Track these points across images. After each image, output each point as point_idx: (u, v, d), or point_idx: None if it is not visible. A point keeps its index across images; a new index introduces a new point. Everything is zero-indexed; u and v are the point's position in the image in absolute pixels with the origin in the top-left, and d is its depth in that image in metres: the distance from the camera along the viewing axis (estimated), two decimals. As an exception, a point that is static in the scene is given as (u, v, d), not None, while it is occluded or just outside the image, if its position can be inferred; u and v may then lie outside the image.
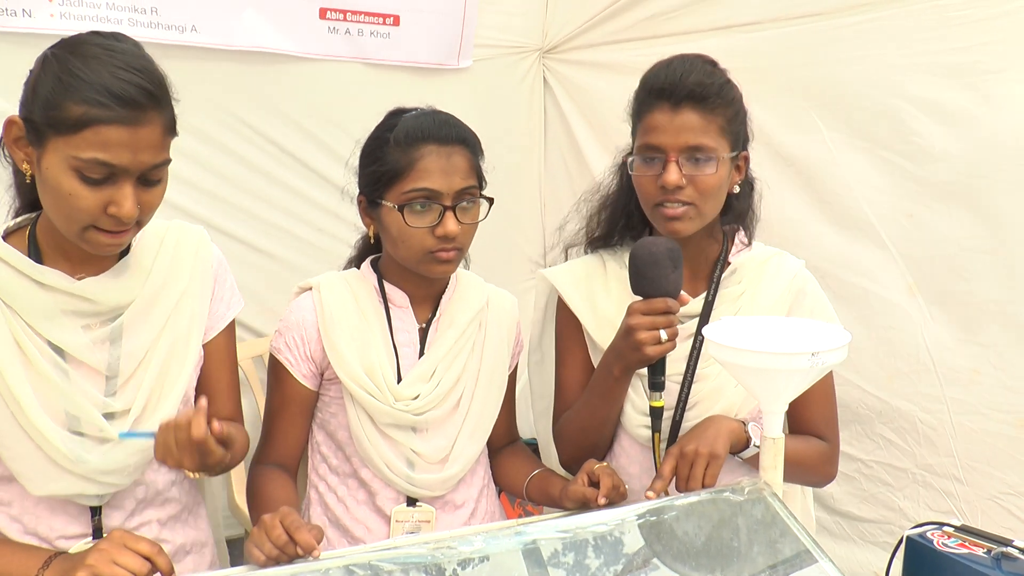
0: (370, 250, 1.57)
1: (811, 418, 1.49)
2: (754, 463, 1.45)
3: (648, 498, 1.22)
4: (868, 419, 2.34)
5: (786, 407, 1.04)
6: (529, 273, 2.65)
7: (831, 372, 1.53)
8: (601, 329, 1.49)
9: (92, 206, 1.11)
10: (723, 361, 1.02)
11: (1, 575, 1.15)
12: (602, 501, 1.27)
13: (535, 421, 1.70)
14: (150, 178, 1.15)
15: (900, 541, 1.49)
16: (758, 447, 1.33)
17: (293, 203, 2.47)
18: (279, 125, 2.40)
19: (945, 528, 1.48)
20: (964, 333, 2.13)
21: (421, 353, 1.47)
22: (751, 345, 1.00)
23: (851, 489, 2.41)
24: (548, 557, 1.06)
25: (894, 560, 1.57)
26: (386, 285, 1.49)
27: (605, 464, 1.34)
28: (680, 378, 1.45)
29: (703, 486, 1.22)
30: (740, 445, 1.36)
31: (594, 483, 1.33)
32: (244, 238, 2.39)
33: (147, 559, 1.06)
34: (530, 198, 2.97)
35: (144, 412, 1.25)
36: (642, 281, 1.33)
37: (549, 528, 1.03)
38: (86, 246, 1.17)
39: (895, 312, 2.23)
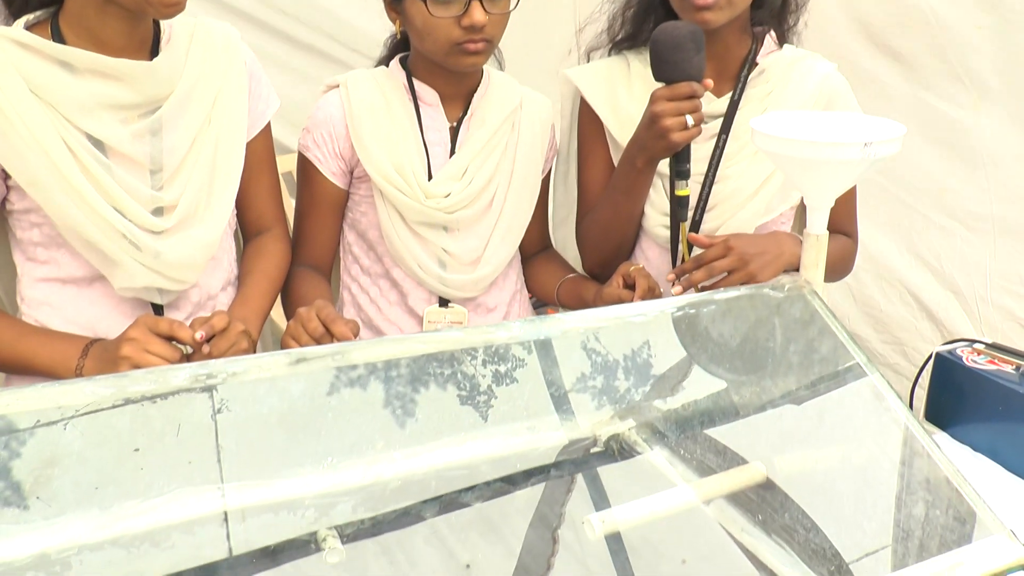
0: (399, 49, 1.51)
1: (835, 216, 1.45)
2: None
3: (668, 281, 1.22)
4: (905, 237, 2.30)
5: (832, 203, 1.00)
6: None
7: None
8: (623, 128, 1.43)
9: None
10: (772, 153, 0.97)
11: (42, 364, 1.17)
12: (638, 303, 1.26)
13: (553, 231, 1.68)
14: None
15: (929, 358, 1.48)
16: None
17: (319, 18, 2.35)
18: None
19: (976, 345, 1.47)
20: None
21: (452, 152, 1.43)
22: (802, 135, 0.94)
23: (869, 310, 2.40)
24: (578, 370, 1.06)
25: (920, 376, 1.57)
26: (416, 83, 1.43)
27: (640, 266, 1.32)
28: (701, 178, 1.41)
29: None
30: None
31: (629, 285, 1.31)
32: (272, 53, 2.30)
33: (170, 338, 1.08)
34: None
35: (196, 209, 1.23)
36: (664, 66, 1.26)
37: (586, 317, 1.01)
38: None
39: (952, 125, 2.13)
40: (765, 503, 1.10)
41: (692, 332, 1.13)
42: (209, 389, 0.92)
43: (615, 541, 1.06)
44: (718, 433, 1.13)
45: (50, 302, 1.20)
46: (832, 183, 0.96)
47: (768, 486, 1.11)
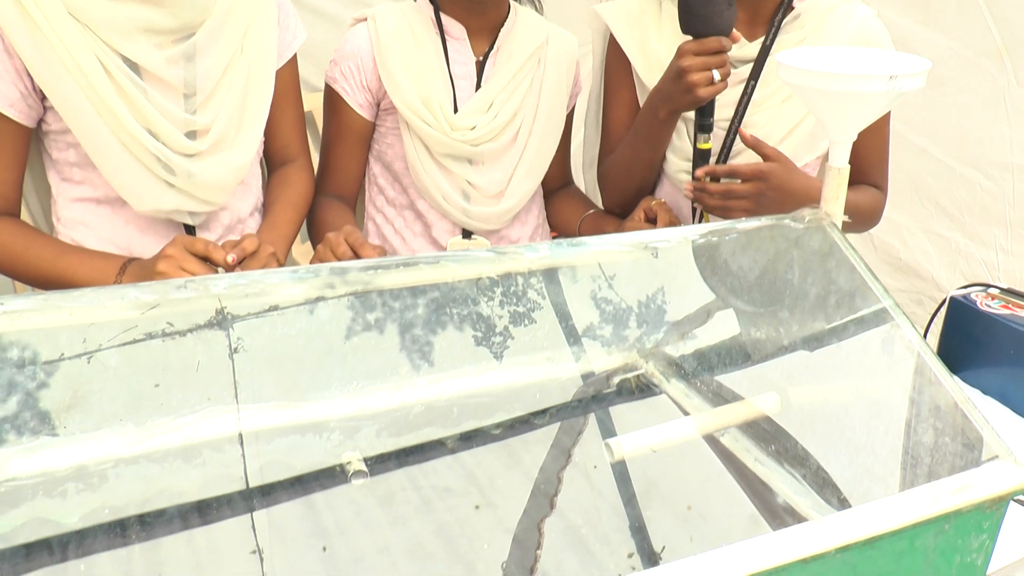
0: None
1: (866, 167, 1.45)
2: None
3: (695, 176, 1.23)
4: (926, 186, 2.30)
5: (855, 136, 1.01)
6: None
7: (889, 120, 1.48)
8: (651, 70, 1.42)
9: None
10: (795, 85, 0.98)
11: (82, 281, 1.20)
12: None
13: (584, 170, 1.69)
14: None
15: (943, 302, 1.50)
16: None
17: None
18: None
19: (990, 290, 1.49)
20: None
21: (478, 86, 1.44)
22: (826, 67, 0.95)
23: (887, 257, 2.41)
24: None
25: (934, 321, 1.58)
26: (443, 16, 1.44)
27: (662, 200, 1.34)
28: (727, 124, 1.40)
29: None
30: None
31: (651, 219, 1.33)
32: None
33: (204, 258, 1.11)
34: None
35: (228, 133, 1.25)
36: (694, 20, 1.25)
37: (609, 240, 1.03)
38: None
39: (977, 73, 2.12)
40: (780, 433, 1.12)
41: (712, 264, 1.15)
42: (227, 325, 0.95)
43: (623, 481, 1.09)
44: (735, 372, 1.15)
45: (85, 222, 1.24)
46: (856, 116, 0.97)
47: (781, 416, 1.14)
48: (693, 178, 1.33)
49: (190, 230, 1.27)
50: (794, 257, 1.09)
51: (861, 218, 1.46)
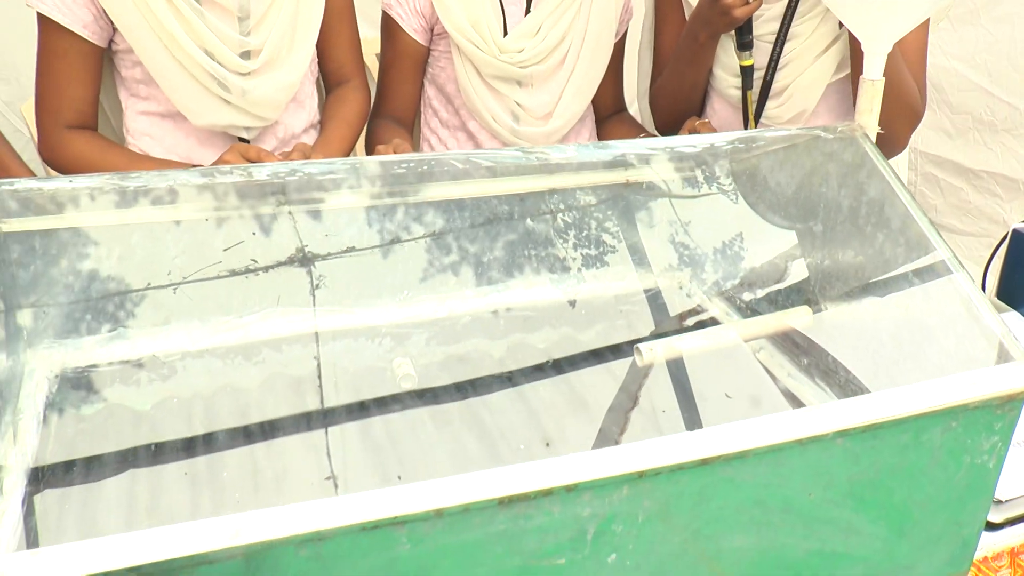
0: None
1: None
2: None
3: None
4: (990, 126, 2.24)
5: (889, 47, 1.01)
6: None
7: (926, 36, 1.46)
8: None
9: None
10: (827, -4, 0.99)
11: None
12: None
13: (640, 98, 1.71)
14: None
15: (1005, 236, 1.47)
16: None
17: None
18: None
19: (1057, 223, 1.45)
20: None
21: (527, 11, 1.47)
22: (859, -25, 0.96)
23: (956, 201, 2.36)
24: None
25: (996, 253, 1.56)
26: None
27: (707, 120, 1.36)
28: (773, 37, 1.43)
29: None
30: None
31: (694, 139, 1.35)
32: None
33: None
34: None
35: (279, 52, 1.32)
36: None
37: (641, 146, 1.06)
38: None
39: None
40: (812, 347, 1.15)
41: (751, 180, 1.17)
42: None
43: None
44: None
45: (150, 133, 1.33)
46: (886, 25, 0.98)
47: (813, 329, 1.16)
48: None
49: (245, 144, 1.35)
50: (829, 172, 1.10)
51: (902, 92, 1.40)
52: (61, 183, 0.89)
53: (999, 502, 1.17)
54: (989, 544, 1.15)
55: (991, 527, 1.15)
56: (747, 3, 1.32)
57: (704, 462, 0.73)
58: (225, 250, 1.00)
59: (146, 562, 0.58)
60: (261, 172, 0.89)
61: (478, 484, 0.67)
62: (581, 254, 1.19)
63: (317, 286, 1.10)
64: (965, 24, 2.17)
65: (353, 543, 0.65)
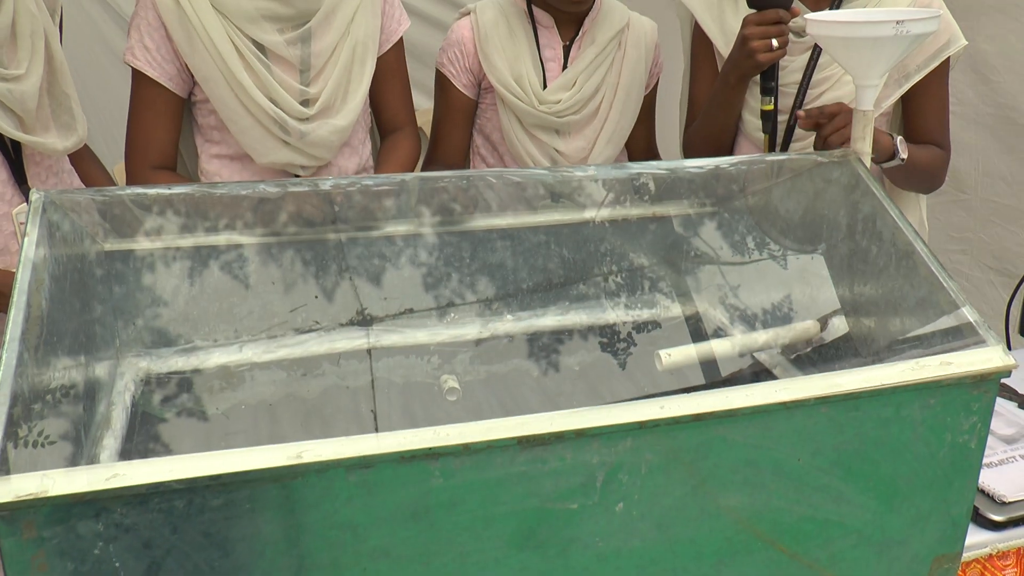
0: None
1: (926, 127, 1.56)
2: (891, 175, 1.55)
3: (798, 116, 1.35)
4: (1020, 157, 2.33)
5: (880, 81, 1.13)
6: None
7: (947, 81, 1.58)
8: (728, 45, 1.57)
9: None
10: (818, 36, 1.12)
11: None
12: None
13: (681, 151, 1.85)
14: None
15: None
16: (903, 160, 1.43)
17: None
18: None
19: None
20: None
21: (564, 67, 1.64)
22: (840, 18, 1.09)
23: (986, 239, 2.43)
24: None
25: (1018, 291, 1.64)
26: (534, 8, 1.65)
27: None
28: (796, 86, 1.55)
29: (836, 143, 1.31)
30: (884, 155, 1.44)
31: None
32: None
33: None
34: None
35: (334, 100, 1.50)
36: None
37: (653, 166, 1.19)
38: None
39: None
40: (819, 356, 1.24)
41: (764, 209, 1.29)
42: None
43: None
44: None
45: (220, 174, 1.52)
46: (872, 60, 1.11)
47: (820, 339, 1.26)
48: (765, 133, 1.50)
49: None
50: (829, 196, 1.21)
51: (924, 171, 1.55)
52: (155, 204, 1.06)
53: (1004, 503, 1.24)
54: (994, 542, 1.22)
55: (995, 526, 1.22)
56: (772, 50, 1.41)
57: (697, 417, 0.84)
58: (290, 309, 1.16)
59: (227, 471, 0.72)
60: (325, 184, 1.05)
61: (500, 425, 0.79)
62: (617, 282, 1.32)
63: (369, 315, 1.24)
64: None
65: (393, 472, 0.77)
